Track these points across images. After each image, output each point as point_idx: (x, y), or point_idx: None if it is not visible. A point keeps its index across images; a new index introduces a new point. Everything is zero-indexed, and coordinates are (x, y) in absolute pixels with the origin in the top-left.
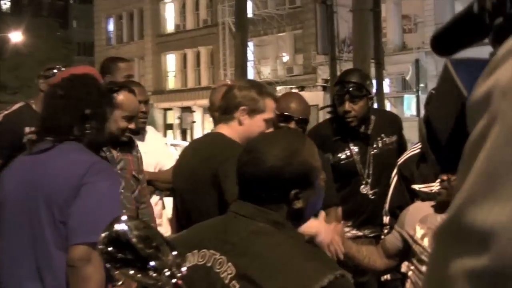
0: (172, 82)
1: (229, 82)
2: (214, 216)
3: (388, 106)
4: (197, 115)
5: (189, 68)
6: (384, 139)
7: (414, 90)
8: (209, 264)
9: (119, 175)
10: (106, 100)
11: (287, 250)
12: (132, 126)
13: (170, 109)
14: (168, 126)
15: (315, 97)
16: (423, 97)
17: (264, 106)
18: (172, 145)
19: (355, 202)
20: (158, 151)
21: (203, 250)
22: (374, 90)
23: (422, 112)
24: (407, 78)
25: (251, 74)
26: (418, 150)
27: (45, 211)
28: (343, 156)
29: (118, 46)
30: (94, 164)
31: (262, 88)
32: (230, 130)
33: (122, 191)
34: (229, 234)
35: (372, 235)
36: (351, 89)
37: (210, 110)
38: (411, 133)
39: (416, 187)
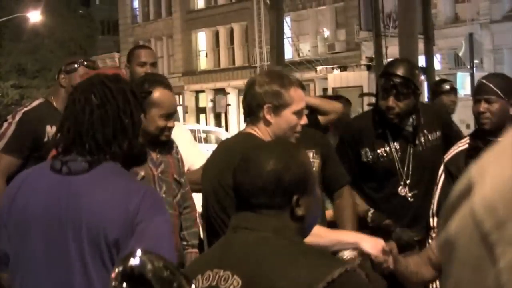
0: (203, 62)
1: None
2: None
3: None
4: (232, 98)
5: (221, 46)
6: (427, 135)
7: (468, 67)
8: (213, 284)
9: (160, 179)
10: (141, 106)
11: (293, 252)
12: (171, 124)
13: (202, 91)
14: (201, 110)
15: (359, 77)
16: (478, 75)
17: (290, 98)
18: (204, 131)
19: (394, 205)
20: (185, 149)
21: (207, 272)
22: (422, 77)
23: None
24: (460, 53)
25: (288, 53)
26: (466, 145)
27: (91, 253)
28: (382, 153)
29: (144, 24)
30: (146, 195)
31: (284, 79)
32: (260, 131)
33: (163, 196)
34: (231, 249)
35: (415, 239)
36: (397, 84)
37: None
38: (465, 114)
39: None
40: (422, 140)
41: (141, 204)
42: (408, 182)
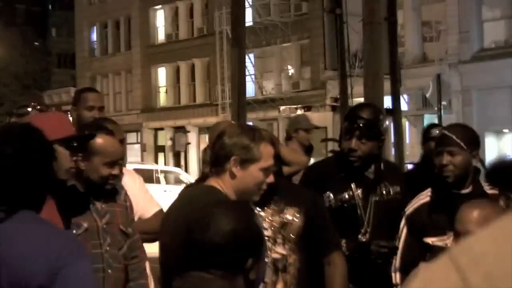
0: (163, 99)
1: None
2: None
3: (407, 126)
4: (192, 136)
5: (182, 82)
6: (388, 188)
7: (436, 108)
8: None
9: (104, 230)
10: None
11: None
12: (115, 171)
13: (161, 129)
14: (159, 149)
15: (323, 118)
16: (446, 117)
17: (259, 154)
18: (162, 171)
19: (355, 252)
20: (136, 196)
21: None
22: (387, 123)
23: None
24: (427, 94)
25: (251, 90)
26: (428, 198)
27: None
28: (345, 198)
29: (102, 58)
30: (66, 241)
31: (255, 133)
32: (223, 183)
33: (108, 248)
34: None
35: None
36: (361, 126)
37: (210, 148)
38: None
39: (429, 240)
40: (384, 191)
41: (62, 250)
42: (368, 230)
